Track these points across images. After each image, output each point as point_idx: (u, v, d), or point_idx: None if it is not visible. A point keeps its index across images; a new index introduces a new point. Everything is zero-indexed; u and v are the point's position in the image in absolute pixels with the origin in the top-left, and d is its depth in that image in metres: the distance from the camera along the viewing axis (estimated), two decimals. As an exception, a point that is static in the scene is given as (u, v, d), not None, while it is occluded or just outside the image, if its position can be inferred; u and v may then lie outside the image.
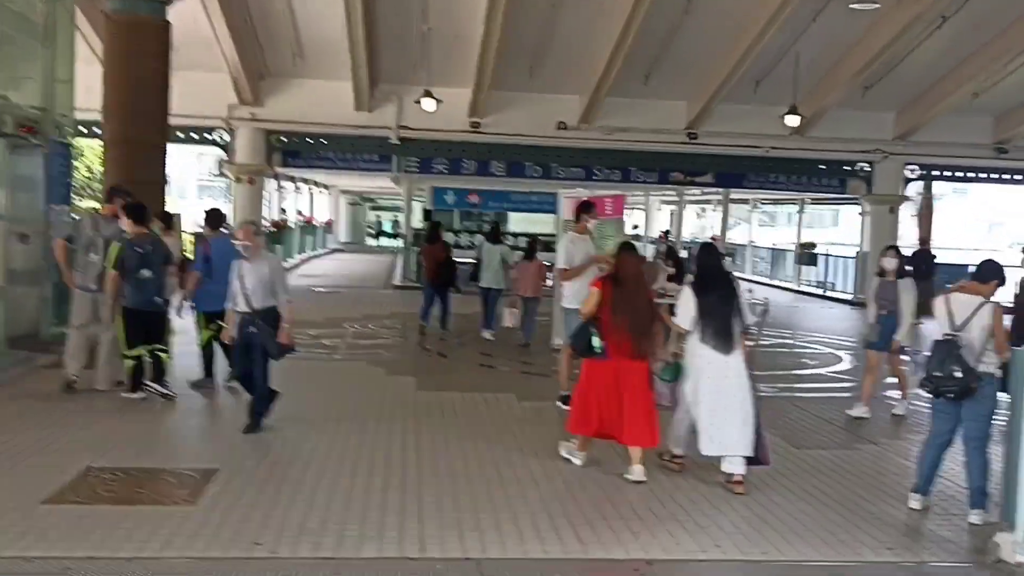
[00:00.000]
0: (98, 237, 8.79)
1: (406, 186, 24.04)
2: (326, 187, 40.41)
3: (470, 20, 17.24)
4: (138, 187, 11.22)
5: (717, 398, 6.36)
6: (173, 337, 10.47)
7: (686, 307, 6.46)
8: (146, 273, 8.47)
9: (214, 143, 20.64)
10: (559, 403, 8.66)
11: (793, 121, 18.99)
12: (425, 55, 18.34)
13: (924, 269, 14.12)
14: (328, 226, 39.59)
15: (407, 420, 8.10)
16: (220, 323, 9.08)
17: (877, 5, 15.06)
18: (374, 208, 51.29)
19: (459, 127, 20.62)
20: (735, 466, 6.39)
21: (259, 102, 20.24)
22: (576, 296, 8.53)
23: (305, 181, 34.87)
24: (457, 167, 21.94)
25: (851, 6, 15.15)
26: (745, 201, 30.88)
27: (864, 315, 10.24)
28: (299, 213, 33.48)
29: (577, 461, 6.75)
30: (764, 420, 6.62)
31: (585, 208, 9.35)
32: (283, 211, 31.06)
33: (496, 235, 14.19)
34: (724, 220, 24.65)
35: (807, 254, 25.50)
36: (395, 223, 43.86)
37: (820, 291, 24.68)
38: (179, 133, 20.55)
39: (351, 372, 10.34)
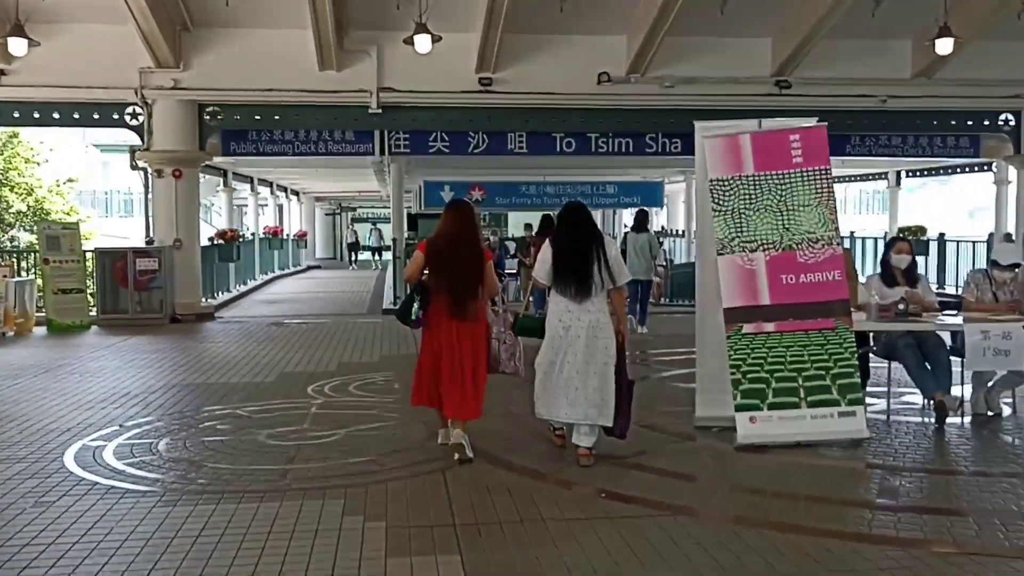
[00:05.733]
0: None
1: (395, 173, 18.09)
2: (296, 193, 34.48)
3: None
4: None
5: (562, 355, 5.78)
6: None
7: (544, 260, 5.93)
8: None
9: (123, 124, 14.72)
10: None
11: (945, 47, 13.29)
12: (414, -20, 12.65)
13: None
14: (301, 239, 33.64)
15: None
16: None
17: None
18: (356, 220, 45.09)
19: (463, 86, 14.86)
20: (580, 438, 5.81)
21: (184, 64, 14.40)
22: None
23: (268, 184, 28.99)
24: (462, 143, 16.09)
25: None
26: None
27: None
28: (244, 228, 27.41)
29: (440, 439, 6.14)
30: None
31: None
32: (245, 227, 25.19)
33: (642, 224, 13.43)
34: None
35: (917, 241, 19.56)
36: (375, 232, 37.65)
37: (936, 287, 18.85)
38: (75, 113, 14.75)
39: (303, 538, 4.51)
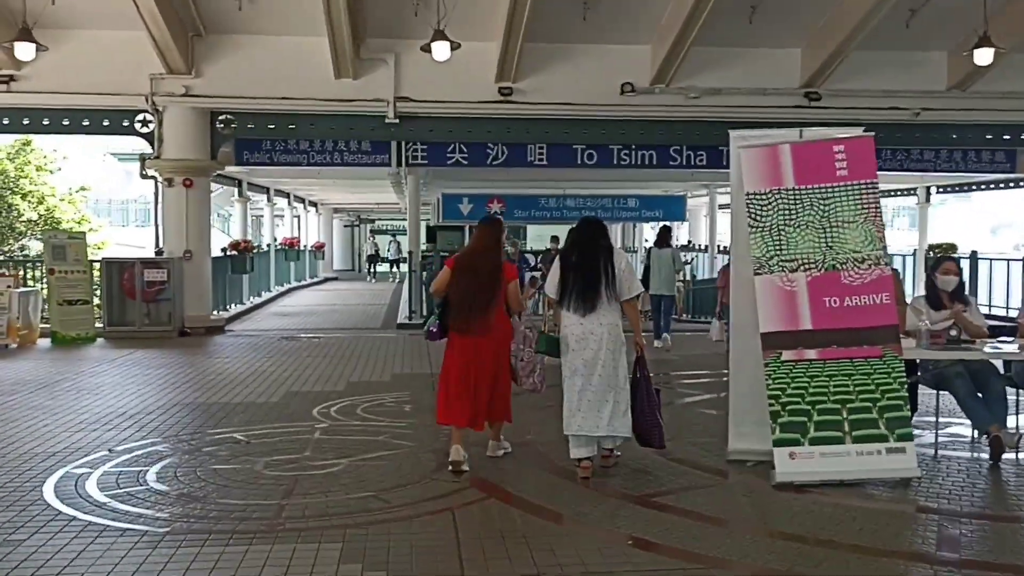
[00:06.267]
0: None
1: (412, 184, 17.66)
2: (314, 204, 34.15)
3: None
4: None
5: (577, 368, 5.82)
6: None
7: (553, 275, 6.04)
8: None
9: (133, 132, 14.37)
10: None
11: (985, 57, 12.74)
12: (432, -14, 12.24)
13: None
14: (318, 250, 33.25)
15: None
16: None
17: None
18: (376, 232, 44.68)
19: (482, 96, 14.42)
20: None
21: (195, 70, 14.04)
22: None
23: (285, 195, 28.67)
24: (481, 155, 15.65)
25: None
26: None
27: None
28: (260, 238, 27.09)
29: (461, 457, 5.90)
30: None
31: None
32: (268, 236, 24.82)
33: (665, 240, 13.41)
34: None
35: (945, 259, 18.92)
36: (395, 244, 37.29)
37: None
38: (85, 120, 14.41)
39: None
